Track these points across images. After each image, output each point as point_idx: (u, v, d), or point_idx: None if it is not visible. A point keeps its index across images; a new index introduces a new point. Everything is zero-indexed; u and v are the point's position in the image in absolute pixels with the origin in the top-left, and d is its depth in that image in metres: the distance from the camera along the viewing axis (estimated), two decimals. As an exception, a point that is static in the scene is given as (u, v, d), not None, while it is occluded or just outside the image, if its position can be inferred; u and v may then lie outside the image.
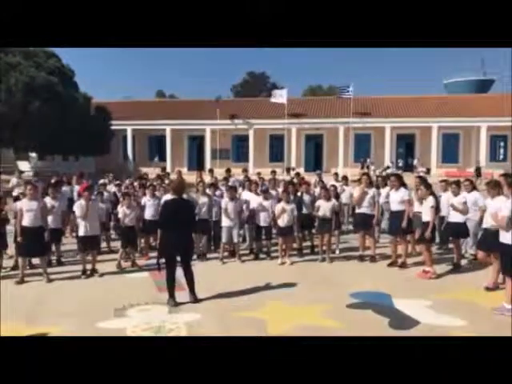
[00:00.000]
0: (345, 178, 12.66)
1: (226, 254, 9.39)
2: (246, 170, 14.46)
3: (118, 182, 12.44)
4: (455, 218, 8.50)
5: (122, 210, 8.85)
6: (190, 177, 16.05)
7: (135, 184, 11.41)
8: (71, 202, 10.07)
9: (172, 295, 6.59)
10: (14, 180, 13.54)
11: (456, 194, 8.67)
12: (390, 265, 8.74)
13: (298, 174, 13.93)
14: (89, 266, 8.25)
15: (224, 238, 9.18)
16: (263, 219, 9.35)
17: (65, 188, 11.49)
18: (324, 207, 9.12)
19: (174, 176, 13.86)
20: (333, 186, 10.56)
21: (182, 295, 6.76)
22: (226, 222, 9.08)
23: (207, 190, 9.87)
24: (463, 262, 8.84)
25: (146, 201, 9.68)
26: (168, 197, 8.39)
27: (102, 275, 8.16)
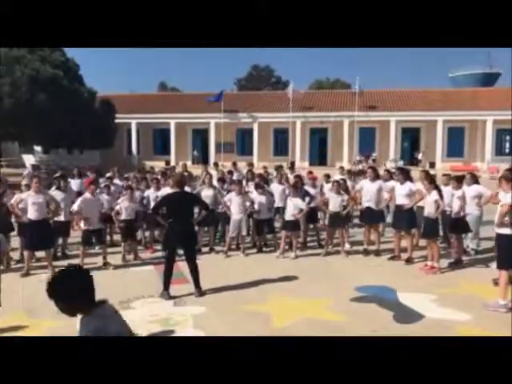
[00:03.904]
0: (348, 171, 12.62)
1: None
2: (251, 164, 14.45)
3: (126, 175, 12.38)
4: (454, 212, 8.43)
5: (122, 203, 8.87)
6: (195, 170, 16.08)
7: (137, 176, 11.41)
8: (80, 195, 10.08)
9: (167, 288, 6.61)
10: (28, 172, 13.52)
11: (457, 188, 8.55)
12: (391, 258, 8.74)
13: (292, 167, 13.98)
14: (98, 260, 8.32)
15: (231, 231, 9.20)
16: (263, 213, 9.34)
17: (75, 181, 11.55)
18: (334, 201, 9.11)
19: (179, 169, 13.86)
20: (342, 179, 10.53)
21: (187, 288, 6.80)
22: (234, 215, 9.09)
23: (214, 183, 9.92)
24: (465, 256, 8.83)
25: (150, 194, 9.69)
26: (169, 190, 8.44)
27: (115, 268, 8.21)
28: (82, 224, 8.24)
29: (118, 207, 8.83)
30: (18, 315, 5.89)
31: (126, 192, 9.25)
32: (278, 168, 12.50)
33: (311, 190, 9.85)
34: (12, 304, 6.22)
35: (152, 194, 9.62)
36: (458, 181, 8.60)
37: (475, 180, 8.97)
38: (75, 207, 8.19)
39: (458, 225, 8.42)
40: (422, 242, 9.07)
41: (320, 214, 10.41)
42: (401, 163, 30.61)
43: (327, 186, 10.42)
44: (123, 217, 8.80)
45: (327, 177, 11.34)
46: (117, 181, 11.19)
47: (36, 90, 24.98)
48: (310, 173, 11.80)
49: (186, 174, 11.18)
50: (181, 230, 6.62)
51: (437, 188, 8.06)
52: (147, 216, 9.51)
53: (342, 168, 13.47)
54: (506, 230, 5.97)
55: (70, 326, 5.51)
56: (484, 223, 8.87)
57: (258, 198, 9.29)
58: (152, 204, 9.51)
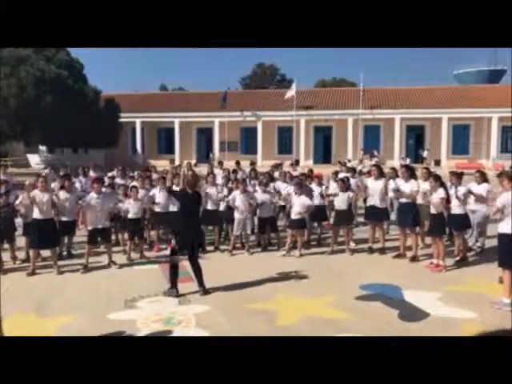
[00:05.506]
0: (353, 169, 12.56)
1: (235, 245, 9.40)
2: (253, 163, 14.44)
3: (132, 174, 12.36)
4: (456, 210, 8.39)
5: (127, 202, 8.89)
6: (198, 169, 16.09)
7: (143, 175, 11.41)
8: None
9: (174, 286, 6.62)
10: (46, 172, 13.55)
11: (456, 185, 8.44)
12: (396, 256, 8.71)
13: (296, 164, 13.89)
14: (103, 259, 8.37)
15: (236, 230, 9.20)
16: (266, 211, 9.33)
17: (80, 179, 11.57)
18: (339, 199, 9.09)
19: (184, 169, 13.82)
20: (346, 177, 10.49)
21: (191, 286, 6.81)
22: (238, 214, 9.10)
23: (218, 181, 9.93)
24: (470, 254, 8.80)
25: (156, 192, 9.69)
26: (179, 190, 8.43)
27: (120, 267, 8.22)
28: (88, 224, 8.28)
29: (124, 207, 8.85)
30: (25, 315, 5.92)
31: (120, 191, 9.26)
32: (278, 166, 12.49)
33: (317, 189, 9.82)
34: (19, 303, 6.26)
35: (158, 193, 9.63)
36: (458, 177, 8.56)
37: (484, 178, 8.90)
38: (83, 203, 8.27)
39: (457, 221, 8.40)
40: (428, 240, 9.04)
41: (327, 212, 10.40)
42: (408, 161, 30.47)
43: (335, 185, 10.37)
44: (130, 216, 8.84)
45: (335, 174, 11.24)
46: (118, 180, 11.20)
47: (41, 89, 25.07)
48: (311, 171, 11.73)
49: (191, 173, 11.16)
50: (194, 231, 6.76)
51: (443, 185, 8.04)
52: (153, 214, 9.54)
53: (345, 166, 13.44)
54: (506, 229, 5.98)
55: (78, 324, 5.56)
56: (491, 221, 8.82)
57: (261, 196, 9.29)
58: (158, 202, 9.53)
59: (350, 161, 29.90)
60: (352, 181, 10.94)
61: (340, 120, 35.14)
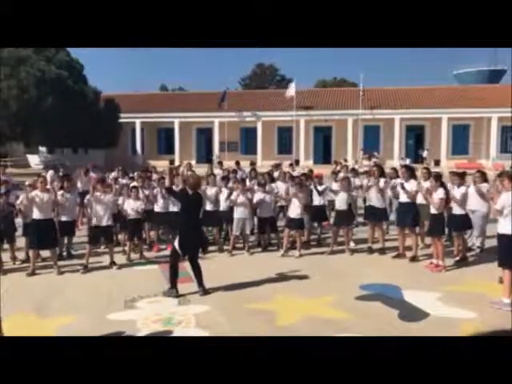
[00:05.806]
0: (353, 169, 12.56)
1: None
2: (253, 163, 14.44)
3: (132, 175, 12.34)
4: (456, 210, 8.39)
5: (127, 202, 8.88)
6: (198, 169, 16.05)
7: (143, 175, 11.40)
8: (85, 194, 10.08)
9: (174, 286, 6.62)
10: (50, 173, 13.56)
11: (458, 185, 8.44)
12: (396, 257, 8.71)
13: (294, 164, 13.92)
14: (103, 259, 8.37)
15: (235, 230, 9.19)
16: (266, 211, 9.33)
17: (82, 179, 11.56)
18: (339, 199, 9.09)
19: (183, 168, 13.80)
20: (347, 177, 10.48)
21: (191, 286, 6.80)
22: (237, 214, 9.09)
23: (218, 182, 9.93)
24: (470, 254, 8.80)
25: (157, 193, 9.69)
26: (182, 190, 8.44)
27: (120, 267, 8.21)
28: (93, 221, 8.28)
29: (124, 207, 8.84)
30: (25, 315, 5.92)
31: (125, 191, 9.25)
32: (277, 166, 12.46)
33: (319, 188, 9.82)
34: (19, 303, 6.26)
35: (159, 193, 9.62)
36: (460, 177, 8.56)
37: (484, 178, 8.90)
38: (85, 201, 8.30)
39: (457, 221, 8.39)
40: (428, 240, 9.04)
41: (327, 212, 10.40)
42: (407, 161, 30.48)
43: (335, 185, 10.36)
44: (130, 216, 8.83)
45: (335, 174, 11.22)
46: (120, 180, 11.18)
47: (42, 90, 25.08)
48: (311, 171, 11.74)
49: (191, 173, 11.15)
50: (195, 232, 6.73)
51: (443, 185, 8.04)
52: (153, 215, 9.53)
53: (345, 166, 13.44)
54: (506, 230, 5.99)
55: (78, 324, 5.56)
56: (491, 221, 8.82)
57: (260, 196, 9.28)
58: (159, 202, 9.53)
59: (346, 160, 29.98)
60: (353, 180, 10.94)
61: (340, 120, 35.13)
